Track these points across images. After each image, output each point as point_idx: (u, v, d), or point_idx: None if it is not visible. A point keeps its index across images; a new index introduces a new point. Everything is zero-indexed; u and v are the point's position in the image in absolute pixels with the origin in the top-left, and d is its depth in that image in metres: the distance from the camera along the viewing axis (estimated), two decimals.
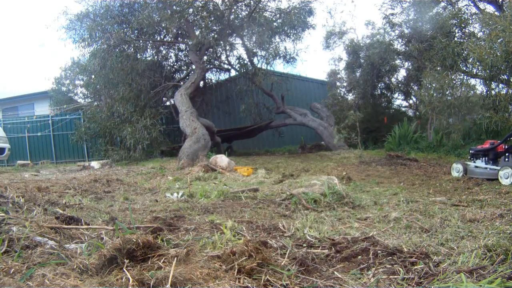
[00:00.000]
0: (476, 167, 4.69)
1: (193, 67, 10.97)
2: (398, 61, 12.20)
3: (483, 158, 4.68)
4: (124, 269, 1.16)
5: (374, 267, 1.37)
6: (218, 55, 11.99)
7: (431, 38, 9.50)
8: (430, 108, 7.91)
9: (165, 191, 3.83)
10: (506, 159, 4.33)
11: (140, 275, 1.09)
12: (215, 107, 13.81)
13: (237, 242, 1.62)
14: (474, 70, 8.34)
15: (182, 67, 12.65)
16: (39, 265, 1.24)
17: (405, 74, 12.42)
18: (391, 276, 1.27)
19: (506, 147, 4.48)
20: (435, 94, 8.02)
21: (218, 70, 12.75)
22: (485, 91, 8.05)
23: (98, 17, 10.14)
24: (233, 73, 12.89)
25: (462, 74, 8.87)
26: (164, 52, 12.01)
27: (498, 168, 4.28)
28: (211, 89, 12.77)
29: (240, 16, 10.65)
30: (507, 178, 4.04)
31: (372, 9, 45.06)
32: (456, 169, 4.90)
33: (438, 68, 8.56)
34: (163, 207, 2.85)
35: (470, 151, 5.05)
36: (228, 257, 1.30)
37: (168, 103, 11.98)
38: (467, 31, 9.39)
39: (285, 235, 1.90)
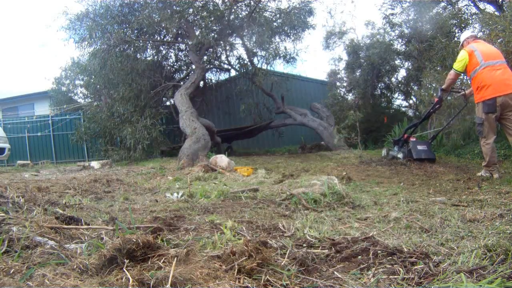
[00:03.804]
0: (392, 150, 6.75)
1: (193, 67, 10.96)
2: (398, 61, 12.20)
3: (397, 145, 6.55)
4: (124, 269, 1.15)
5: (374, 267, 1.37)
6: (218, 55, 11.99)
7: (431, 38, 9.49)
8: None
9: (165, 191, 3.83)
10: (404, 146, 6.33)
11: (140, 275, 1.09)
12: (215, 107, 13.80)
13: (237, 242, 1.62)
14: None
15: (182, 67, 12.64)
16: (39, 265, 1.24)
17: (405, 74, 12.43)
18: (391, 276, 1.27)
19: (404, 138, 6.27)
20: (435, 94, 8.00)
21: (218, 70, 12.74)
22: None
23: (98, 17, 10.14)
24: (233, 73, 12.90)
25: (462, 74, 8.85)
26: (164, 52, 12.01)
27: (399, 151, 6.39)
28: (211, 89, 12.76)
29: (240, 16, 10.65)
30: (400, 159, 6.19)
31: (372, 9, 45.16)
32: (383, 152, 7.17)
33: (438, 68, 8.55)
34: (163, 207, 2.84)
35: (391, 140, 7.30)
36: (228, 257, 1.29)
37: (168, 103, 11.97)
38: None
39: (285, 235, 1.89)
